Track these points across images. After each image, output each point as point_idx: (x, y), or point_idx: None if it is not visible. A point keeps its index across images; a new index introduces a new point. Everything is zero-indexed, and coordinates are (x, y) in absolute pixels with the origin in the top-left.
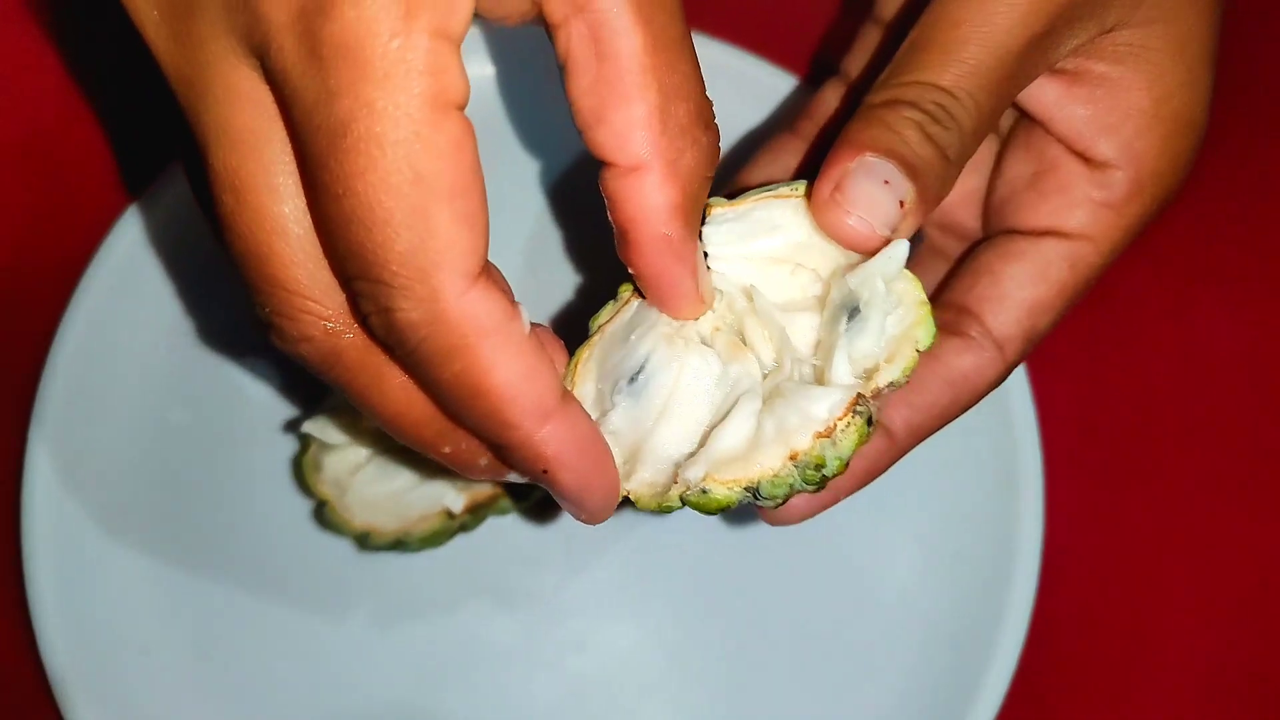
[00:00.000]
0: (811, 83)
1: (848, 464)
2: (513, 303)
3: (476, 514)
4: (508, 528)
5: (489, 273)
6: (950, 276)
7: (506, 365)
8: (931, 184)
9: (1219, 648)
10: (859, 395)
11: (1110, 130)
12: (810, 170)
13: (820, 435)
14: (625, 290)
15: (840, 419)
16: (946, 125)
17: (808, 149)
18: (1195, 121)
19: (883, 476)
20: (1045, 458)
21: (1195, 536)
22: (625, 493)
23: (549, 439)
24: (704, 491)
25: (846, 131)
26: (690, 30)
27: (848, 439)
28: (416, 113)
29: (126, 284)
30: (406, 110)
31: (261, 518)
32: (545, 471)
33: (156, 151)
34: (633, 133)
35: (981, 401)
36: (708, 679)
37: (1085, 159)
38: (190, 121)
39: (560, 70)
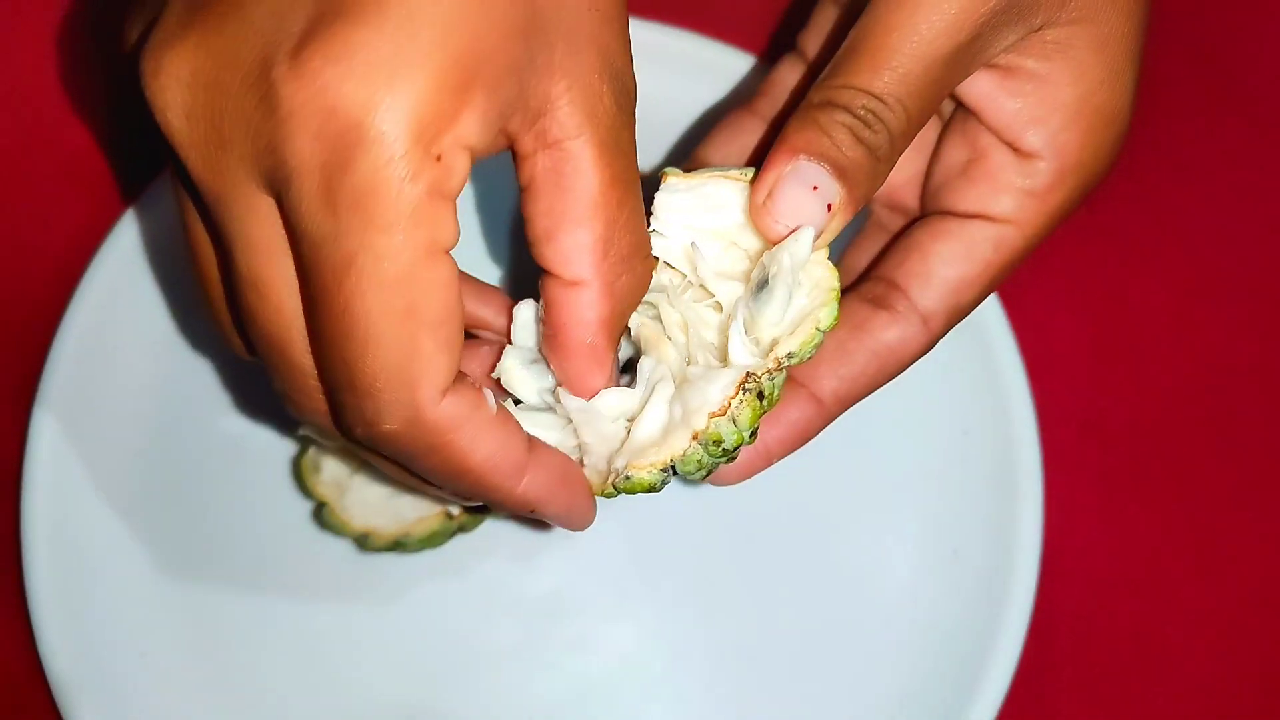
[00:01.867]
0: (768, 60)
1: (753, 434)
2: (478, 390)
3: (475, 515)
4: (507, 528)
5: (459, 375)
6: (885, 250)
7: (480, 447)
8: (860, 184)
9: (1220, 648)
10: (747, 374)
11: (1037, 123)
12: (765, 153)
13: (714, 415)
14: None
15: (732, 398)
16: (875, 129)
17: (765, 128)
18: (1118, 115)
19: (883, 476)
20: (1044, 457)
21: (1195, 536)
22: None
23: (529, 488)
24: (627, 478)
25: (784, 131)
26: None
27: (743, 414)
28: (412, 257)
29: (125, 287)
30: (404, 255)
31: (260, 519)
32: (532, 510)
33: (155, 155)
34: (579, 254)
35: (980, 402)
36: (708, 678)
37: (1014, 149)
38: (218, 227)
39: (520, 189)
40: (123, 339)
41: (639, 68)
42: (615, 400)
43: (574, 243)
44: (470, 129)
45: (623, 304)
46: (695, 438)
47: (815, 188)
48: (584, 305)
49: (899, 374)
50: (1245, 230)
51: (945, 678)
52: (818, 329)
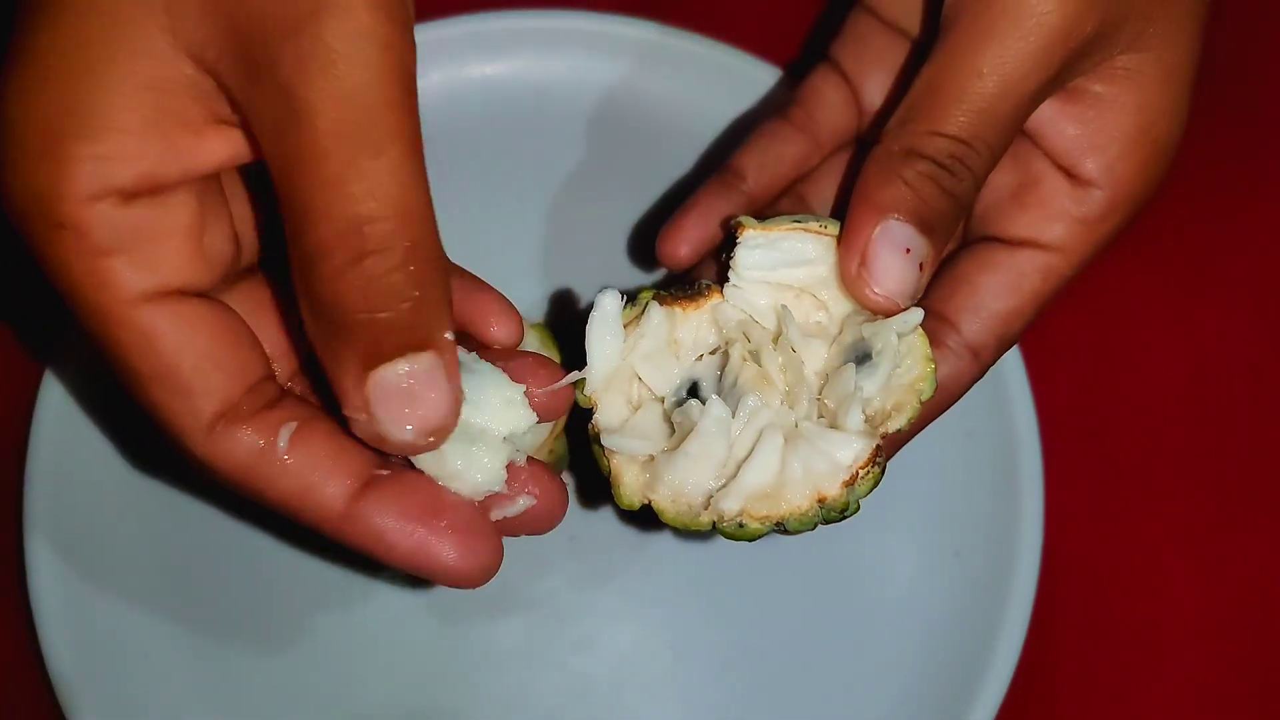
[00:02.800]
0: (793, 73)
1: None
2: (273, 428)
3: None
4: None
5: (247, 411)
6: (933, 282)
7: (274, 490)
8: (945, 233)
9: (1220, 648)
10: (878, 447)
11: (1097, 150)
12: (837, 205)
13: (845, 483)
14: (645, 295)
15: (863, 468)
16: (961, 177)
17: (802, 139)
18: (1172, 145)
19: (886, 477)
20: (1045, 458)
21: (1196, 536)
22: (648, 500)
23: (354, 536)
24: (740, 525)
25: (865, 186)
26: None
27: (866, 484)
28: (101, 326)
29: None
30: (96, 324)
31: (262, 519)
32: (379, 559)
33: None
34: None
35: (982, 403)
36: (710, 678)
37: (1069, 174)
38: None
39: None
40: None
41: (670, 77)
42: (721, 423)
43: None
44: (83, 183)
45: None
46: (822, 501)
47: (908, 250)
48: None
49: (949, 407)
50: (1247, 233)
51: (946, 676)
52: (920, 400)
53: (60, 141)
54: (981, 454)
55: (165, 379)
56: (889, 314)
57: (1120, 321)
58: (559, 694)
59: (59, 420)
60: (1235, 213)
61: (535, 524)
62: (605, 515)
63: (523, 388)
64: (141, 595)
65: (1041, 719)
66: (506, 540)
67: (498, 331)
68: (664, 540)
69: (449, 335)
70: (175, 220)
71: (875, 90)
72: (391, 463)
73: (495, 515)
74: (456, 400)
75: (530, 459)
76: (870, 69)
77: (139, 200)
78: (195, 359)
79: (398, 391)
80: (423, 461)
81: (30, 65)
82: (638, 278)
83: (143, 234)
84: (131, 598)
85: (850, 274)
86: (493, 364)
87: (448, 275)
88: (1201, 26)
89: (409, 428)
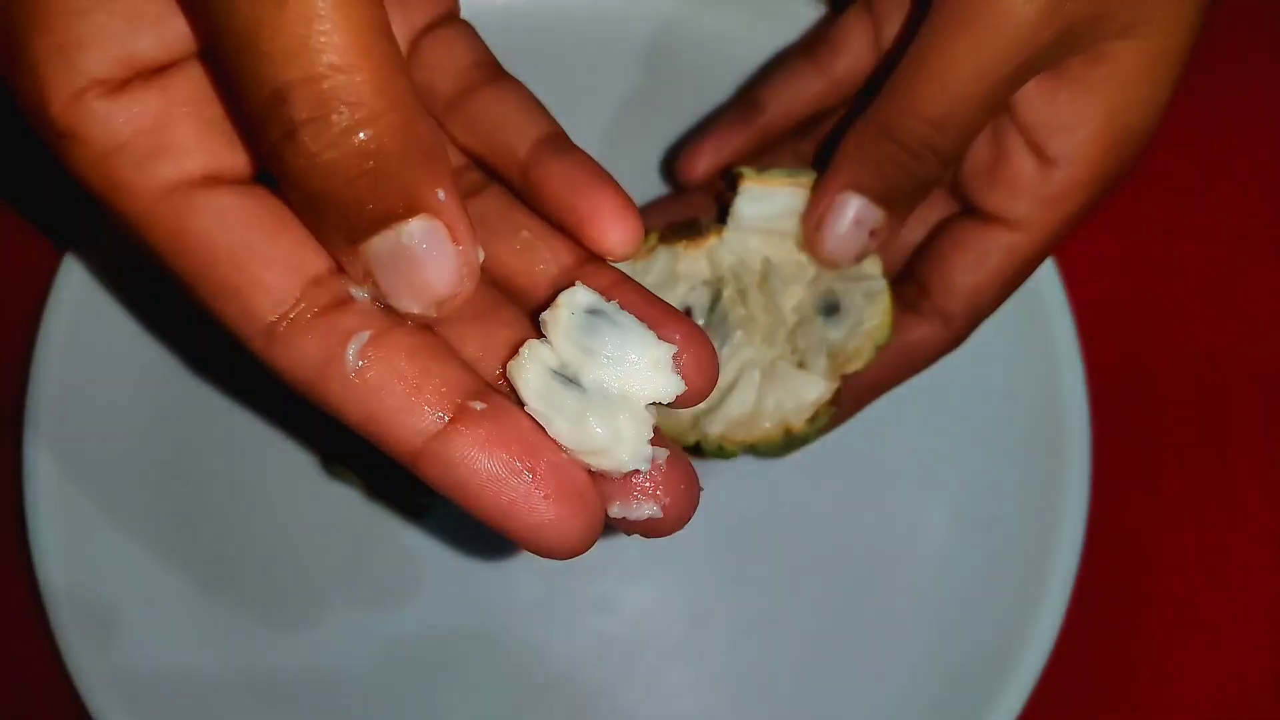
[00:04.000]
0: (836, 7)
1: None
2: (341, 338)
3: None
4: None
5: (309, 314)
6: (919, 253)
7: (347, 412)
8: (902, 206)
9: (1268, 618)
10: (838, 390)
11: (1065, 130)
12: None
13: (809, 419)
14: (653, 236)
15: (825, 406)
16: (925, 160)
17: (824, 82)
18: (1143, 133)
19: (918, 437)
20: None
21: (1245, 506)
22: None
23: (430, 476)
24: (720, 447)
25: (838, 157)
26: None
27: (823, 419)
28: (135, 217)
29: (123, 264)
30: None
31: (273, 477)
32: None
33: None
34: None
35: (1024, 359)
36: (730, 643)
37: (1037, 151)
38: None
39: None
40: (119, 310)
41: (709, 8)
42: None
43: None
44: (59, 82)
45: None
46: (788, 431)
47: (859, 221)
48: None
49: (925, 367)
50: None
51: (979, 651)
52: (875, 347)
53: (25, 43)
54: (1022, 414)
55: (206, 278)
56: (837, 268)
57: (1171, 287)
58: (575, 652)
59: (56, 398)
60: None
61: (651, 531)
62: None
63: (673, 349)
64: (152, 573)
65: (1080, 697)
66: None
67: (613, 237)
68: None
69: (442, 194)
70: (180, 102)
71: (890, 37)
72: (492, 394)
73: (613, 512)
74: (466, 263)
75: (673, 447)
76: (896, 14)
77: (130, 88)
78: (232, 252)
79: (394, 261)
80: (555, 427)
81: None
82: (665, 190)
83: (144, 123)
84: (130, 514)
85: (808, 232)
86: (637, 318)
87: (429, 127)
88: (1199, 16)
89: (414, 299)
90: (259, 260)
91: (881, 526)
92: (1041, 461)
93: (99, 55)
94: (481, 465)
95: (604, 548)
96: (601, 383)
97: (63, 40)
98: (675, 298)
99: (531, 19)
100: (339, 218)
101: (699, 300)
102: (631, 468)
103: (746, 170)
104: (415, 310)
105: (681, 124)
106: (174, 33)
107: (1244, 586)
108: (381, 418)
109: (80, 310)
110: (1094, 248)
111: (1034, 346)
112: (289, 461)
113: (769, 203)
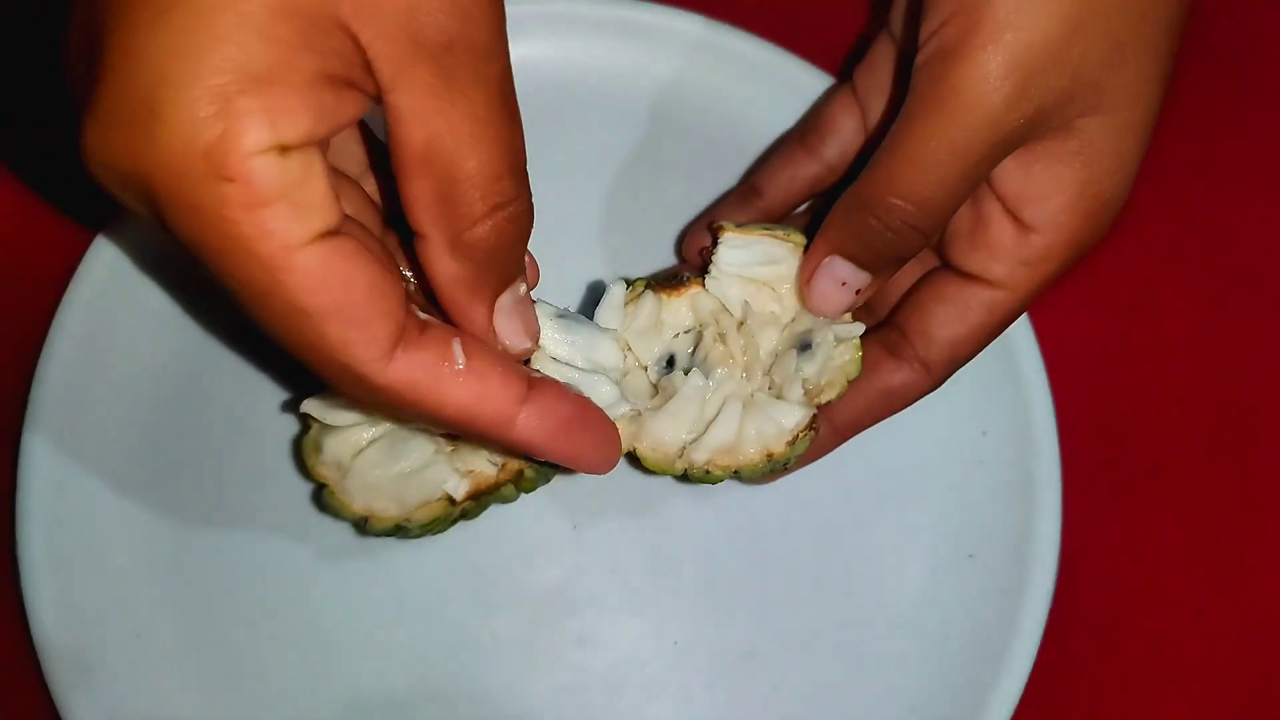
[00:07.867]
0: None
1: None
2: (445, 343)
3: (479, 501)
4: (513, 520)
5: (414, 334)
6: (903, 301)
7: (451, 398)
8: (886, 270)
9: (1240, 656)
10: (814, 415)
11: (1040, 199)
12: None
13: (788, 443)
14: (640, 284)
15: (802, 432)
16: (904, 235)
17: (816, 165)
18: (1116, 200)
19: (898, 475)
20: (1062, 460)
21: (1216, 542)
22: (633, 449)
23: (523, 433)
24: (706, 472)
25: (828, 224)
26: (515, 112)
27: (802, 444)
28: (264, 268)
29: (125, 267)
30: (255, 270)
31: (261, 505)
32: (537, 454)
33: None
34: (414, 209)
35: (999, 400)
36: (713, 677)
37: (1014, 218)
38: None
39: None
40: (121, 320)
41: (729, 79)
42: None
43: (408, 195)
44: (254, 137)
45: (476, 255)
46: (770, 456)
47: (844, 283)
48: (432, 259)
49: (903, 409)
50: (1269, 234)
51: (957, 682)
52: (848, 380)
53: (232, 98)
54: (999, 454)
55: (341, 313)
56: (826, 318)
57: (1142, 324)
58: (558, 687)
59: (55, 401)
60: (1259, 216)
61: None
62: (609, 508)
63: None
64: (136, 577)
65: None
66: (508, 531)
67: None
68: (671, 536)
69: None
70: (320, 166)
71: (875, 117)
72: (534, 369)
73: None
74: (534, 311)
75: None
76: (878, 94)
77: (294, 151)
78: (364, 288)
79: (510, 312)
80: (578, 385)
81: (193, 23)
82: (668, 262)
83: (298, 182)
84: (125, 578)
85: (800, 288)
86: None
87: None
88: (1160, 88)
89: (525, 335)
90: (381, 293)
91: (862, 562)
92: (1017, 498)
93: (296, 125)
94: (555, 419)
95: (584, 585)
96: (596, 359)
97: (274, 106)
98: (660, 342)
99: (543, 79)
100: (495, 279)
101: (681, 345)
102: (616, 409)
103: (726, 224)
104: (525, 345)
105: (690, 184)
106: (342, 118)
107: (1214, 620)
108: (487, 397)
109: (85, 329)
110: (1063, 292)
111: (1007, 389)
112: (280, 494)
113: (748, 251)
